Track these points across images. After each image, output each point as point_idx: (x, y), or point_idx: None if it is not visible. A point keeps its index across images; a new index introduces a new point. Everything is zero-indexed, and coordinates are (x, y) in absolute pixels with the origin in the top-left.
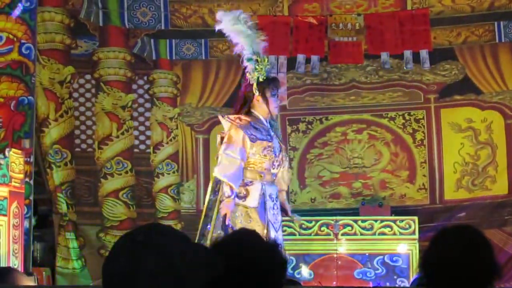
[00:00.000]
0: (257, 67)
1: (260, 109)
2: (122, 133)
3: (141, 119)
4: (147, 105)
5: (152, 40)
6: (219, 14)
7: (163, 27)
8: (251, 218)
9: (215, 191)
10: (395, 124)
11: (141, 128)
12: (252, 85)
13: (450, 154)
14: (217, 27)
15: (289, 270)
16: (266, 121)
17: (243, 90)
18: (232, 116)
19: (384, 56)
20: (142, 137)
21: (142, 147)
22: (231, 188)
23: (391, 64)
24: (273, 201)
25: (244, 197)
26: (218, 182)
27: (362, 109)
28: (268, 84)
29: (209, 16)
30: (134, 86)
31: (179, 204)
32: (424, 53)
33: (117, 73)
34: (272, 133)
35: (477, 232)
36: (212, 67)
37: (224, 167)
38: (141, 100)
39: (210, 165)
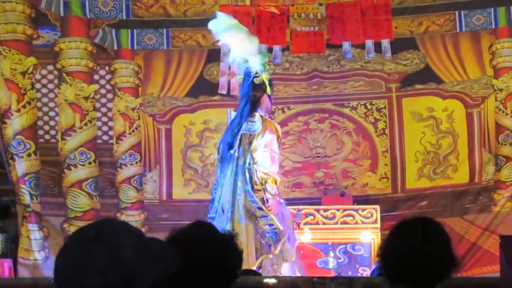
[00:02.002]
0: (266, 67)
1: (265, 107)
2: (85, 124)
3: (104, 109)
4: (109, 95)
5: (113, 30)
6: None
7: (124, 17)
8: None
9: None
10: (357, 114)
11: (104, 118)
12: (259, 85)
13: (412, 143)
14: (216, 36)
15: None
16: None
17: (250, 90)
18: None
19: (346, 45)
20: (105, 128)
21: (105, 137)
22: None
23: (353, 54)
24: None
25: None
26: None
27: (324, 98)
28: (271, 84)
29: (170, 6)
30: (96, 77)
31: (142, 194)
32: (385, 43)
33: (79, 63)
34: None
35: (435, 224)
36: (173, 57)
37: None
38: (103, 91)
39: (173, 155)
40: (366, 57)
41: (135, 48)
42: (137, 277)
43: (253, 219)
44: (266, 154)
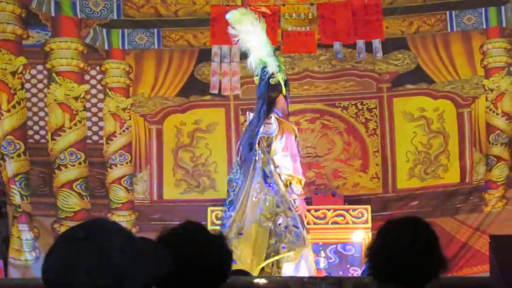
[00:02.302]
0: (282, 67)
1: (281, 108)
2: (75, 124)
3: (94, 109)
4: (100, 95)
5: (104, 30)
6: (233, 18)
7: (115, 17)
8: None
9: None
10: (348, 114)
11: (94, 119)
12: (275, 85)
13: (403, 143)
14: (232, 33)
15: None
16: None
17: (266, 91)
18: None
19: (337, 45)
20: (95, 128)
21: (95, 138)
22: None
23: (344, 54)
24: None
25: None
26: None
27: (315, 98)
28: (287, 84)
29: (161, 6)
30: (87, 77)
31: (132, 194)
32: (376, 43)
33: (70, 63)
34: None
35: (424, 223)
36: (164, 56)
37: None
38: (93, 91)
39: (164, 156)
40: (357, 57)
41: (126, 48)
42: (128, 278)
43: (270, 221)
44: (285, 156)
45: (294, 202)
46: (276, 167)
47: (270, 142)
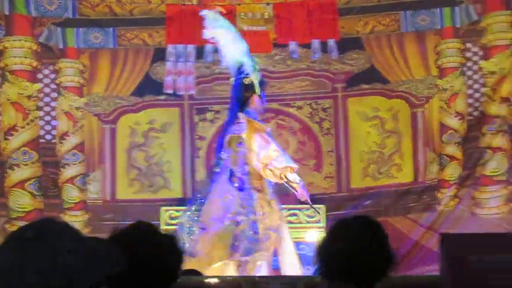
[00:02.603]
0: (256, 67)
1: (255, 107)
2: (28, 123)
3: (47, 109)
4: (53, 94)
5: (59, 29)
6: (208, 18)
7: (70, 16)
8: (271, 208)
9: None
10: (303, 113)
11: (47, 118)
12: (248, 85)
13: (357, 142)
14: (208, 33)
15: None
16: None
17: (239, 91)
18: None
19: (292, 45)
20: (48, 127)
21: (48, 137)
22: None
23: (299, 53)
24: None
25: (261, 191)
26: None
27: (270, 98)
28: (263, 84)
29: (116, 5)
30: (40, 76)
31: (85, 194)
32: (331, 43)
33: (23, 62)
34: None
35: (373, 222)
36: (119, 56)
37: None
38: (47, 90)
39: (117, 155)
40: (313, 56)
41: (81, 47)
42: (79, 278)
43: (232, 220)
44: (270, 152)
45: (296, 191)
46: (268, 165)
47: (240, 141)
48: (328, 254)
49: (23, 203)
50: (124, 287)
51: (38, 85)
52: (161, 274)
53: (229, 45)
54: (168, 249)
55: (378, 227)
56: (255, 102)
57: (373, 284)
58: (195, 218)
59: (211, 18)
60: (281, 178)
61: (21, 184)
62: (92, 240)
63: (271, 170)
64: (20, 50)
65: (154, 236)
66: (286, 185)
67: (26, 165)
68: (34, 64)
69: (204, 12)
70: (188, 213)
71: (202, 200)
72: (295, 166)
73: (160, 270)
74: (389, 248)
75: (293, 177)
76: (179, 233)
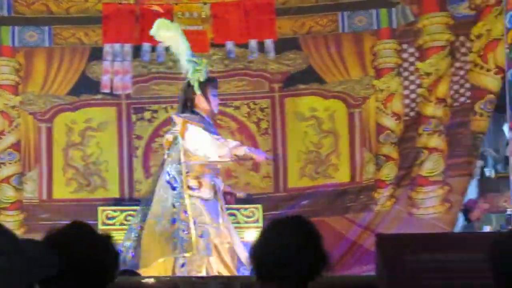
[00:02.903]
0: (197, 68)
1: (202, 108)
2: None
3: None
4: None
5: None
6: (155, 24)
7: (5, 14)
8: (201, 211)
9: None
10: (240, 113)
11: None
12: (192, 86)
13: (294, 142)
14: (153, 33)
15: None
16: (208, 118)
17: (184, 91)
18: (186, 114)
19: (230, 45)
20: None
21: None
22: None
23: (237, 53)
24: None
25: (198, 189)
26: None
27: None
28: (209, 84)
29: (53, 3)
30: None
31: (21, 194)
32: (269, 43)
33: None
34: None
35: (305, 222)
36: (55, 54)
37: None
38: None
39: (53, 154)
40: (250, 56)
41: (16, 45)
42: (12, 280)
43: (167, 219)
44: (200, 152)
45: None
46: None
47: (175, 141)
48: (261, 254)
49: (8, 195)
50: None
51: None
52: (97, 274)
53: (180, 50)
54: (104, 249)
55: (311, 227)
56: (200, 102)
57: (306, 284)
58: (143, 219)
59: (164, 25)
60: (233, 159)
61: (6, 179)
62: (26, 242)
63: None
64: None
65: (89, 237)
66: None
67: (10, 163)
68: None
69: (158, 21)
70: (138, 215)
71: (150, 203)
72: (225, 156)
73: (96, 271)
74: (322, 248)
75: (242, 152)
76: (127, 236)
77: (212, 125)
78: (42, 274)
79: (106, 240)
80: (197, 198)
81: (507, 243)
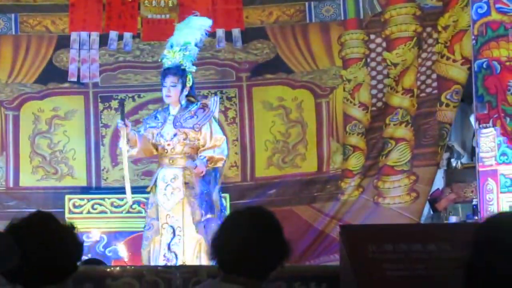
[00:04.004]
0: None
1: None
2: None
3: None
4: None
5: None
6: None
7: None
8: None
9: None
10: None
11: None
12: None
13: (262, 132)
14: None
15: (100, 248)
16: (168, 109)
17: None
18: None
19: None
20: None
21: None
22: None
23: (204, 42)
24: (166, 182)
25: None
26: None
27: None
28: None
29: None
30: None
31: None
32: (236, 32)
33: None
34: (169, 120)
35: (265, 213)
36: (22, 42)
37: None
38: None
39: (20, 142)
40: (217, 46)
41: None
42: None
43: None
44: None
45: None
46: None
47: None
48: (221, 246)
49: None
50: (22, 279)
51: None
52: (60, 264)
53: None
54: (66, 239)
55: (271, 218)
56: None
57: (267, 274)
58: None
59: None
60: None
61: None
62: None
63: None
64: None
65: (52, 227)
66: None
67: None
68: None
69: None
70: None
71: None
72: None
73: (59, 261)
74: (282, 239)
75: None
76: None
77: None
78: (3, 265)
79: (69, 230)
80: (152, 196)
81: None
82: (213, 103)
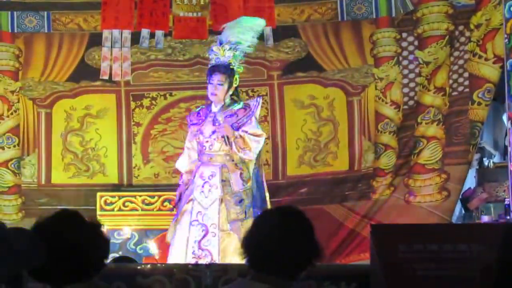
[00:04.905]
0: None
1: None
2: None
3: None
4: None
5: None
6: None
7: None
8: None
9: None
10: None
11: None
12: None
13: (293, 130)
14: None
15: (131, 246)
16: (210, 106)
17: None
18: None
19: None
20: None
21: None
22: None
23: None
24: (204, 180)
25: None
26: None
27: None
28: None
29: None
30: None
31: (19, 178)
32: (267, 30)
33: None
34: (210, 117)
35: (296, 212)
36: (54, 40)
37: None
38: None
39: (52, 140)
40: None
41: (15, 31)
42: None
43: None
44: None
45: None
46: None
47: None
48: (252, 245)
49: (7, 179)
50: (49, 277)
51: None
52: (86, 263)
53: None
54: (93, 237)
55: (301, 217)
56: None
57: (298, 274)
58: None
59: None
60: None
61: (5, 163)
62: (15, 232)
63: None
64: None
65: (78, 225)
66: None
67: (9, 147)
68: None
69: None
70: None
71: None
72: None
73: (84, 259)
74: (313, 239)
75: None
76: None
77: (208, 113)
78: (30, 264)
79: (95, 227)
80: None
81: None
82: (255, 103)
